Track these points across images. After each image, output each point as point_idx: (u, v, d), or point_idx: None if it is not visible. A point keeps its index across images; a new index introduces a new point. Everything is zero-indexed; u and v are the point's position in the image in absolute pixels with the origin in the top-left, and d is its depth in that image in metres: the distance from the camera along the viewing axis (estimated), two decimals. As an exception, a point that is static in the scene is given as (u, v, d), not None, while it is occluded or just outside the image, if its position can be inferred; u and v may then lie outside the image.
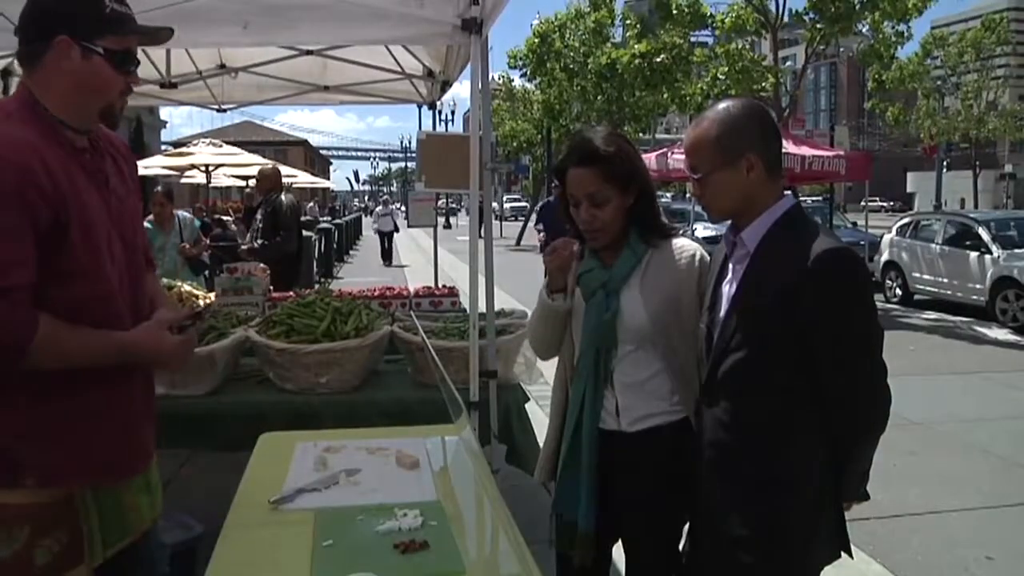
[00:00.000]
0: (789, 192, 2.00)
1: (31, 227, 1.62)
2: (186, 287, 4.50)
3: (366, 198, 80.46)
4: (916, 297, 13.61)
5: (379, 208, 24.39)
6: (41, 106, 1.75)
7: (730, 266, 1.99)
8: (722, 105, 1.96)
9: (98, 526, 1.81)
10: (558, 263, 2.28)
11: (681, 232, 2.39)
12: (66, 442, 1.73)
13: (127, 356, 1.79)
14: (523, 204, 42.32)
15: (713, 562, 1.97)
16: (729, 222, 2.03)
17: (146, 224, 5.07)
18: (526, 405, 3.63)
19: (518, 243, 27.93)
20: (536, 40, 25.23)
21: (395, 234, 22.33)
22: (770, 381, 1.86)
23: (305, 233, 8.81)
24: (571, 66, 25.09)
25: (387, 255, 21.39)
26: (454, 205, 45.34)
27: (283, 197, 7.27)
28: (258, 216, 7.25)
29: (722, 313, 1.95)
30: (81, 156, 1.79)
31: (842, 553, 1.94)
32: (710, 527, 1.97)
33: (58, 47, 1.73)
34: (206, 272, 7.56)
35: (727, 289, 1.97)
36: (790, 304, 1.78)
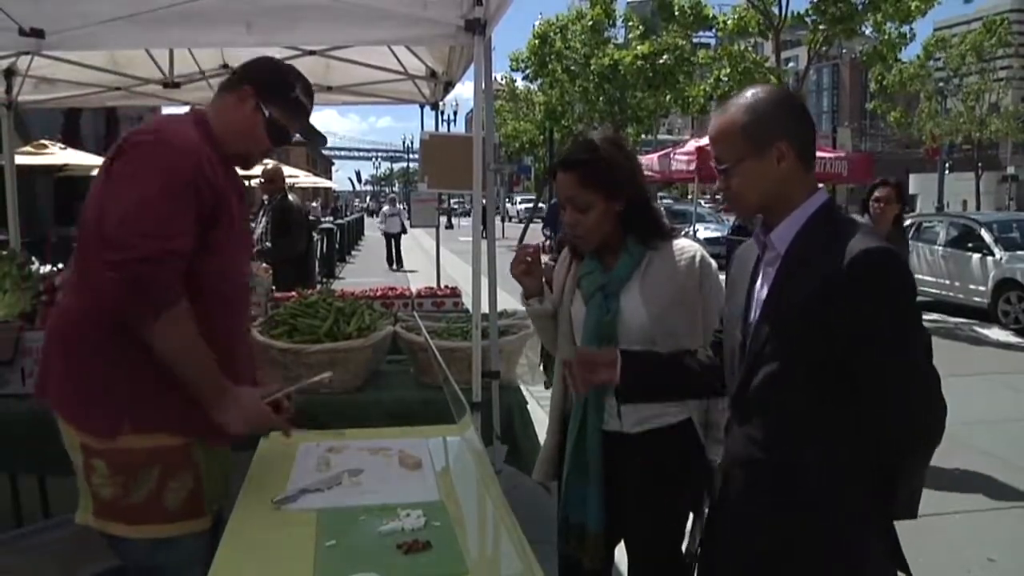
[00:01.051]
0: (822, 186, 1.83)
1: (197, 208, 1.98)
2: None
3: (368, 198, 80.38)
4: (918, 299, 13.59)
5: (386, 208, 22.89)
6: (210, 126, 2.16)
7: (761, 269, 1.83)
8: (749, 91, 1.78)
9: (207, 482, 2.12)
10: (521, 269, 2.37)
11: (683, 233, 2.40)
12: (189, 399, 2.02)
13: (218, 394, 2.05)
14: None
15: None
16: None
17: None
18: (527, 406, 3.63)
19: (520, 243, 27.95)
20: (536, 42, 25.24)
21: (403, 236, 21.07)
22: (806, 393, 1.70)
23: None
24: (572, 67, 25.09)
25: (394, 259, 20.24)
26: (455, 205, 45.08)
27: (290, 197, 7.29)
28: (263, 218, 7.26)
29: (753, 320, 1.79)
30: (229, 170, 2.20)
31: (899, 574, 1.78)
32: (743, 554, 1.81)
33: (242, 92, 2.19)
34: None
35: (759, 294, 1.81)
36: (823, 310, 1.62)
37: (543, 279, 2.46)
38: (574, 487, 2.32)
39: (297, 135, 2.34)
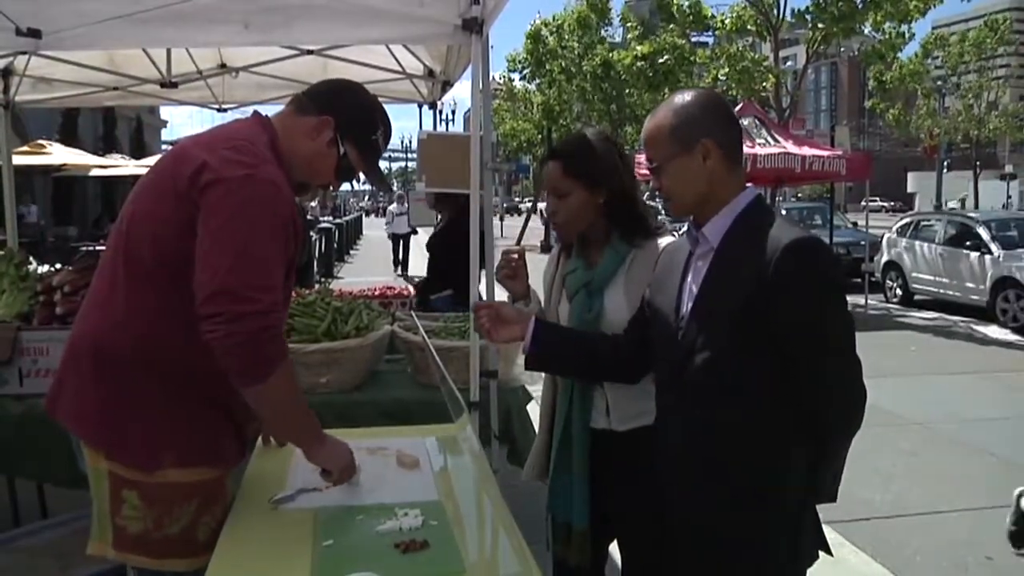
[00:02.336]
0: (751, 185, 1.93)
1: (287, 251, 1.90)
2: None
3: (366, 198, 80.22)
4: (916, 297, 13.63)
5: (393, 206, 20.25)
6: (280, 146, 2.00)
7: (692, 263, 1.92)
8: (677, 96, 1.93)
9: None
10: (505, 273, 2.41)
11: (680, 232, 2.41)
12: (226, 430, 2.00)
13: (317, 441, 2.01)
14: None
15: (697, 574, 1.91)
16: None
17: None
18: (527, 405, 3.63)
19: (519, 243, 27.93)
20: (530, 41, 25.24)
21: (412, 237, 18.31)
22: (741, 383, 1.78)
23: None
24: (570, 67, 25.10)
25: (401, 262, 18.11)
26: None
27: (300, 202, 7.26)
28: None
29: (685, 313, 1.89)
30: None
31: (820, 553, 1.88)
32: (689, 537, 1.90)
33: (322, 122, 2.04)
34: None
35: (690, 287, 1.89)
36: (756, 301, 1.71)
37: (529, 282, 2.48)
38: (559, 484, 2.33)
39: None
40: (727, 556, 1.83)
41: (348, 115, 2.07)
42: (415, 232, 18.04)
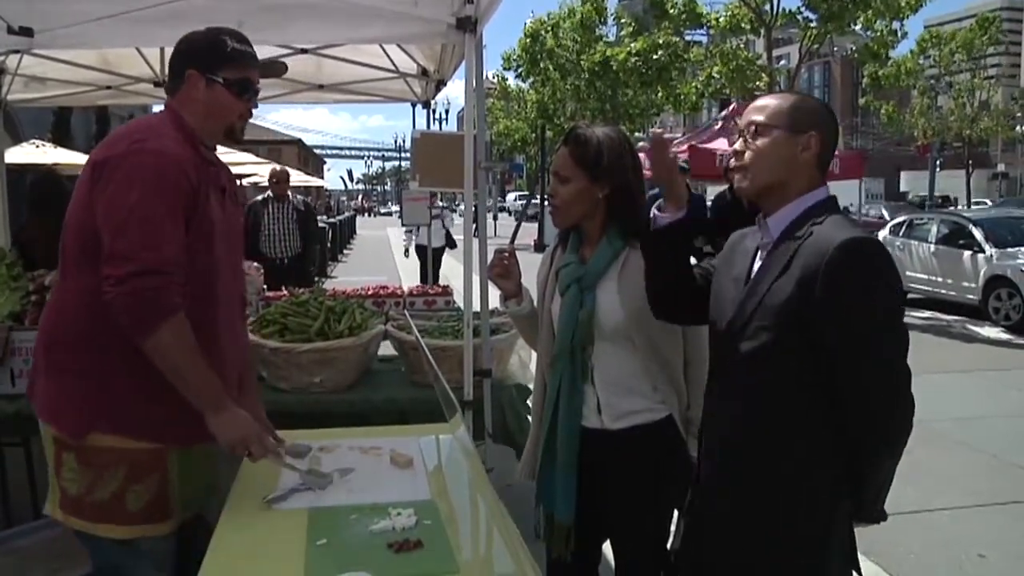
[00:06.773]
0: (826, 185, 1.86)
1: (183, 211, 2.02)
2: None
3: (360, 197, 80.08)
4: (909, 296, 13.65)
5: None
6: (185, 122, 2.17)
7: (759, 253, 1.87)
8: (797, 94, 1.93)
9: (178, 487, 2.15)
10: (497, 271, 2.44)
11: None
12: (166, 406, 2.04)
13: (217, 405, 2.05)
14: None
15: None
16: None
17: None
18: (526, 402, 3.63)
19: (512, 242, 27.91)
20: (528, 39, 25.20)
21: (446, 251, 12.67)
22: (783, 379, 1.74)
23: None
24: (564, 64, 25.06)
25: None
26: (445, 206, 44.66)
27: (307, 198, 7.36)
28: (270, 220, 7.25)
29: (740, 302, 1.84)
30: (208, 167, 2.19)
31: (853, 573, 1.83)
32: (715, 536, 1.87)
33: (189, 80, 2.18)
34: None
35: (750, 278, 1.86)
36: (804, 298, 1.66)
37: (521, 280, 2.48)
38: (545, 477, 2.34)
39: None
40: (745, 561, 1.80)
41: (198, 53, 2.21)
42: (453, 245, 12.61)
